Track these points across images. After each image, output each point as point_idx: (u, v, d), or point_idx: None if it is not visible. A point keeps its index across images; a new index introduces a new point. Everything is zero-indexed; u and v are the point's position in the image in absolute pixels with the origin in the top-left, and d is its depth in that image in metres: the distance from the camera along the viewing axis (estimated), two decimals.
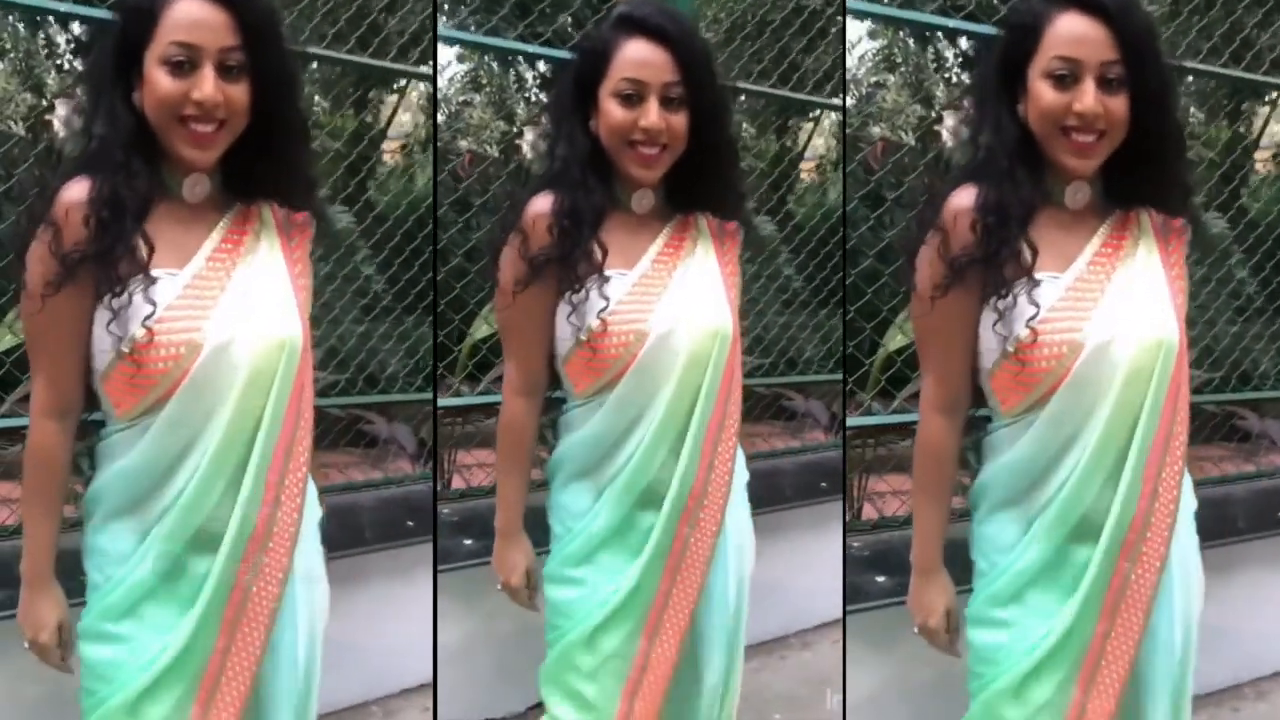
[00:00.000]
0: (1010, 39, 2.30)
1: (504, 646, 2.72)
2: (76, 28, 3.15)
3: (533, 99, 3.62)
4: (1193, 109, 3.92)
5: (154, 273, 2.12)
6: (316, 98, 3.60)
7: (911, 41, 3.56)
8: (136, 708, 2.16)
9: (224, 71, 2.11)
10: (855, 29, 3.56)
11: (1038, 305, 2.23)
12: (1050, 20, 2.24)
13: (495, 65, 3.59)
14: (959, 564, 2.45)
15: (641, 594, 2.47)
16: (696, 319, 2.46)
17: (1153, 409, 2.26)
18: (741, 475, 2.59)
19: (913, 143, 3.58)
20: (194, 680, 2.16)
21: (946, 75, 3.58)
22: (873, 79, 3.57)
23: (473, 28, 3.60)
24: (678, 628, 2.49)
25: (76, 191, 2.12)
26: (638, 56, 2.40)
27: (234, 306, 2.15)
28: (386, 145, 3.73)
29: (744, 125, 4.10)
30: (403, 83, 3.70)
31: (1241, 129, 4.07)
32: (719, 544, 2.53)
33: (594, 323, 2.41)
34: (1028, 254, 2.25)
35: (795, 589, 3.89)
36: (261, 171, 2.20)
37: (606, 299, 2.41)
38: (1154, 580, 2.30)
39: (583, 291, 2.42)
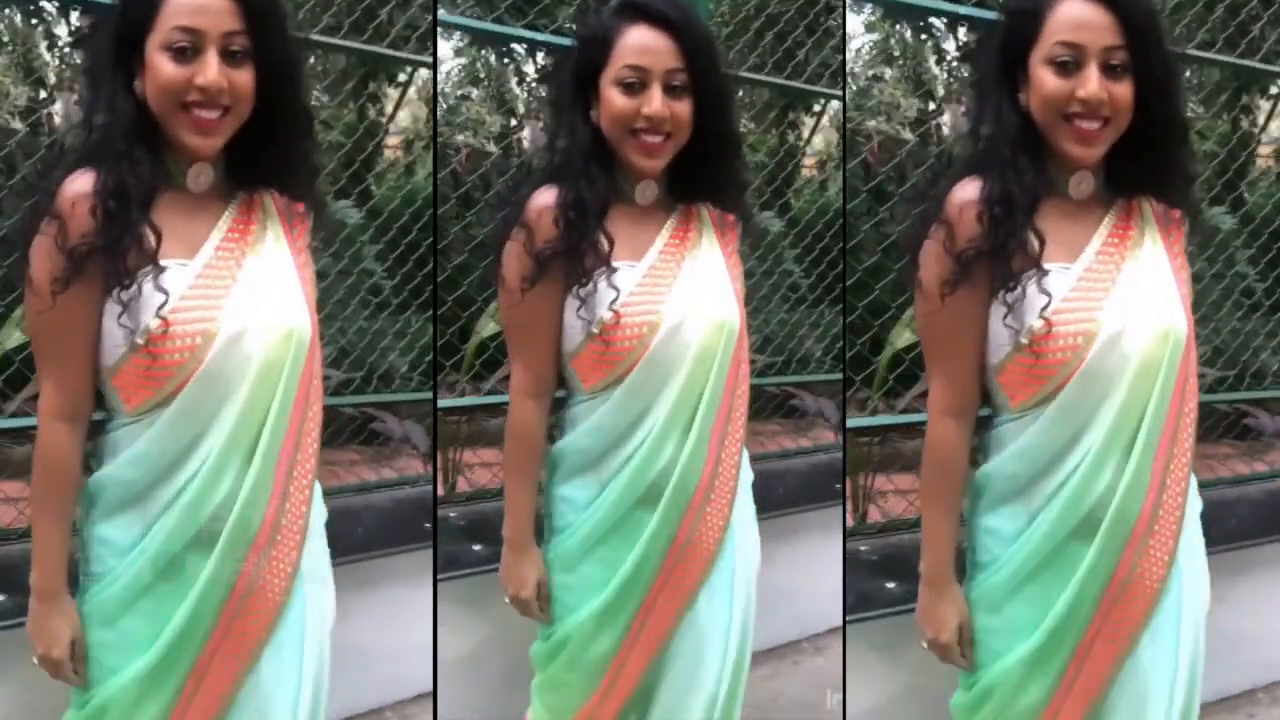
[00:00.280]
0: (1011, 25, 2.28)
1: (515, 655, 2.69)
2: (75, 18, 3.13)
3: (532, 92, 3.60)
4: (1191, 103, 3.90)
5: (163, 263, 2.10)
6: (315, 91, 3.58)
7: (909, 33, 3.55)
8: (126, 698, 2.15)
9: (228, 57, 2.09)
10: (852, 22, 3.55)
11: (1049, 295, 2.21)
12: (1052, 6, 2.22)
13: (493, 58, 3.57)
14: (960, 567, 2.41)
15: (636, 588, 2.46)
16: (705, 311, 2.45)
17: (1161, 400, 2.24)
18: (747, 474, 2.58)
19: (909, 136, 3.56)
20: (184, 675, 2.15)
21: (946, 68, 3.57)
22: (869, 72, 3.56)
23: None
24: (660, 626, 2.48)
25: (81, 184, 2.10)
26: (640, 43, 2.39)
27: (245, 296, 2.14)
28: (387, 140, 3.71)
29: (743, 119, 4.08)
30: (404, 76, 3.69)
31: (1245, 123, 4.05)
32: (724, 541, 2.52)
33: (606, 315, 2.40)
34: (1035, 243, 2.23)
35: (809, 592, 3.86)
36: (265, 159, 2.19)
37: (616, 290, 2.40)
38: (1160, 574, 2.28)
39: (590, 284, 2.40)
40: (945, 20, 3.57)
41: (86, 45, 3.04)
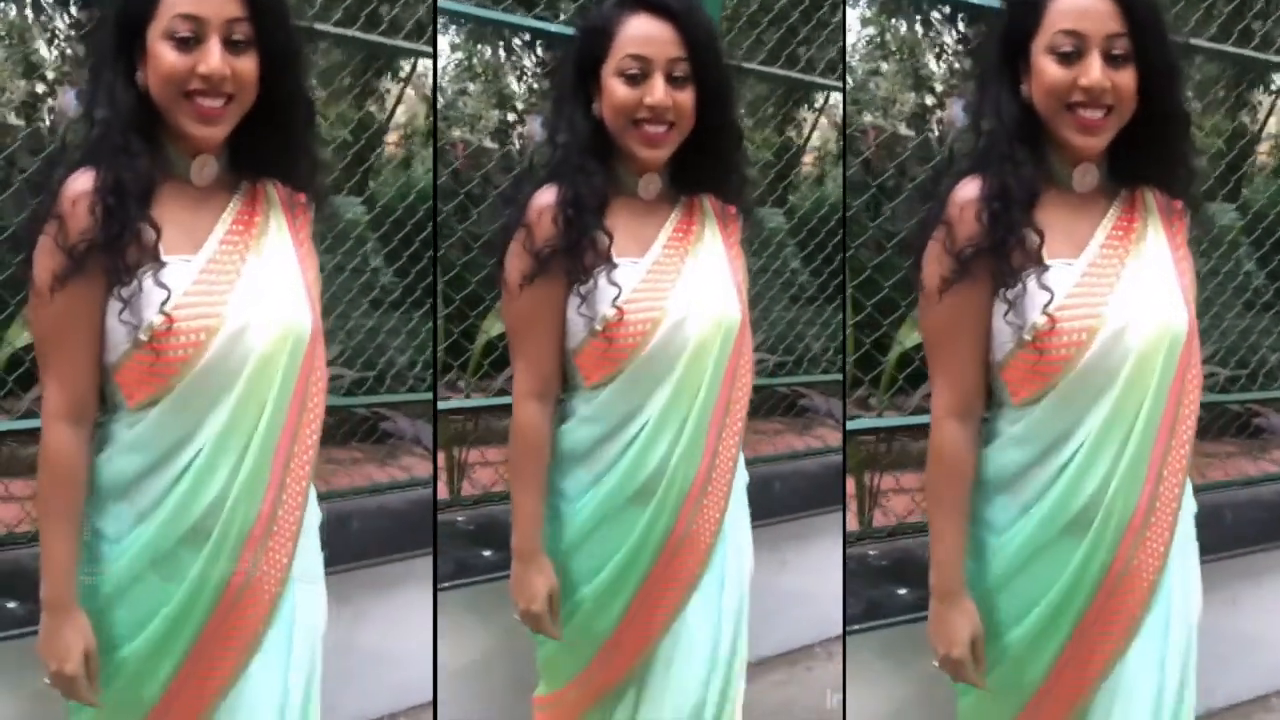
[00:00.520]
0: (1013, 15, 2.27)
1: (523, 664, 2.67)
2: (74, 10, 3.11)
3: (531, 87, 3.59)
4: (1192, 98, 3.89)
5: (165, 258, 2.09)
6: (313, 84, 3.57)
7: (904, 27, 3.54)
8: (114, 688, 2.14)
9: (230, 45, 2.08)
10: (849, 16, 3.54)
11: (1050, 291, 2.20)
12: None
13: (489, 53, 3.56)
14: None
15: (633, 575, 2.45)
16: (706, 306, 2.44)
17: (1159, 393, 2.23)
18: (742, 475, 2.56)
19: (905, 131, 3.55)
20: (172, 669, 2.14)
21: (946, 62, 3.55)
22: (866, 66, 3.55)
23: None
24: (657, 616, 2.47)
25: (82, 183, 2.09)
26: (641, 32, 2.38)
27: (248, 291, 2.13)
28: (387, 136, 3.70)
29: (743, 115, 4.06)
30: (404, 71, 3.68)
31: (1246, 119, 4.04)
32: (719, 537, 2.50)
33: (609, 312, 2.38)
34: (1034, 239, 2.22)
35: (822, 596, 3.85)
36: (268, 149, 2.18)
37: (618, 286, 2.39)
38: (1156, 566, 2.27)
39: (591, 281, 2.39)
40: (944, 11, 3.55)
41: (88, 37, 3.03)
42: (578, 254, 2.39)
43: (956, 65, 3.56)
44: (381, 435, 3.84)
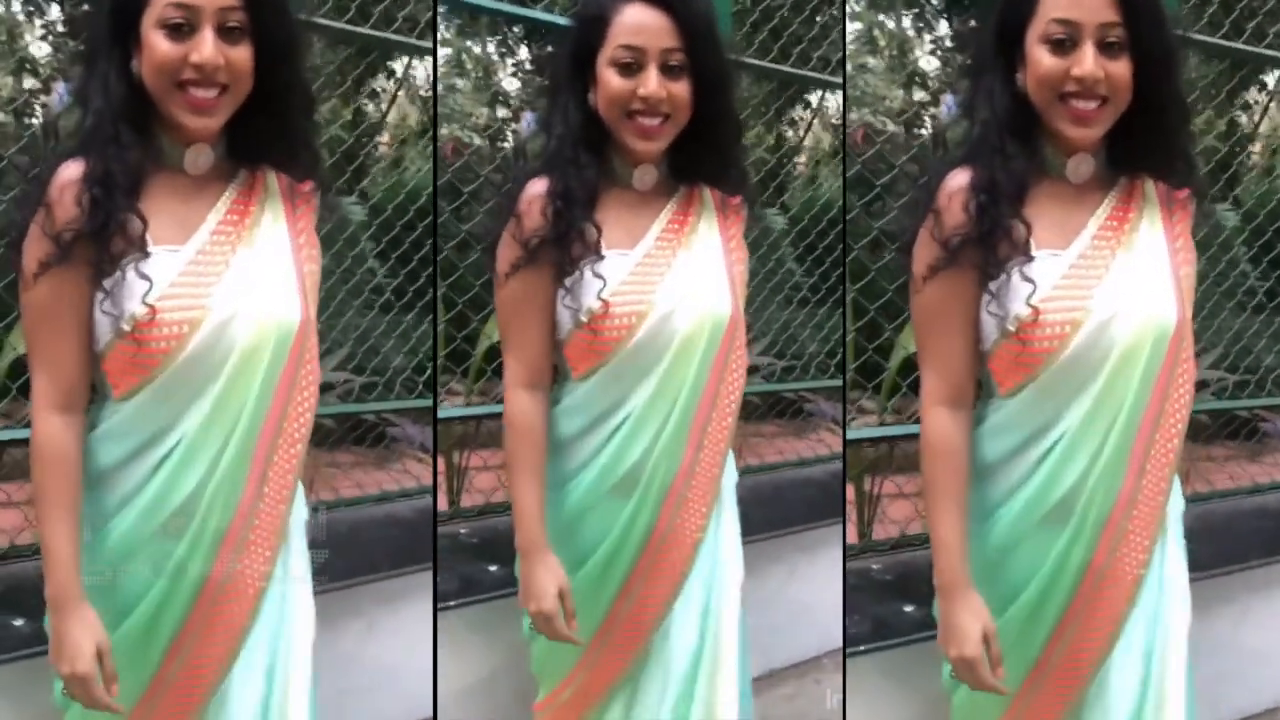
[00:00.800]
0: (1008, 4, 2.26)
1: (532, 683, 2.65)
2: (67, 5, 3.09)
3: (525, 82, 3.58)
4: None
5: (153, 249, 2.08)
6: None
7: (892, 23, 3.53)
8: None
9: (225, 33, 2.07)
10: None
11: (1033, 282, 2.19)
12: None
13: (478, 49, 3.54)
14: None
15: (616, 570, 2.43)
16: (696, 301, 2.42)
17: (1143, 386, 2.22)
18: (731, 475, 2.54)
19: (894, 127, 3.53)
20: (154, 668, 2.13)
21: (939, 56, 3.54)
22: (855, 62, 3.54)
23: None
24: (646, 613, 2.45)
25: (71, 171, 2.09)
26: (636, 22, 2.36)
27: (236, 282, 2.12)
28: (381, 136, 3.69)
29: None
30: (399, 70, 3.67)
31: (1242, 118, 4.02)
32: (702, 537, 2.47)
33: (594, 304, 2.37)
34: (1022, 230, 2.21)
35: (832, 608, 3.82)
36: (267, 139, 2.16)
37: (603, 279, 2.37)
38: (1140, 561, 2.25)
39: (576, 273, 2.38)
40: (935, 6, 3.55)
41: (84, 26, 3.00)
42: (565, 245, 2.38)
43: (948, 63, 3.56)
44: (390, 441, 3.82)
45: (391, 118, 3.65)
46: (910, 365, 3.46)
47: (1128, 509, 2.23)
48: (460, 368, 3.50)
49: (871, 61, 3.53)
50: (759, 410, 4.12)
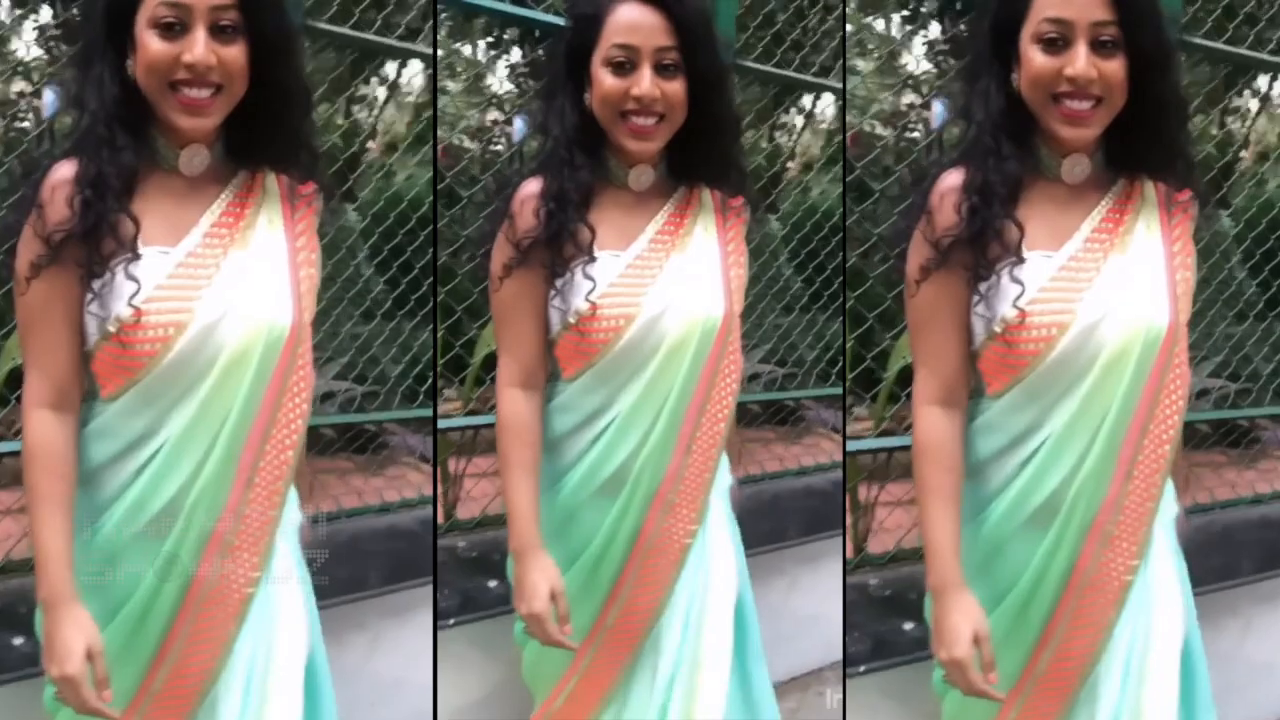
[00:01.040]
0: (1002, 4, 2.24)
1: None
2: (59, 8, 3.08)
3: (520, 84, 3.58)
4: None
5: (143, 250, 2.08)
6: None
7: (880, 25, 3.53)
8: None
9: (217, 33, 2.05)
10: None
11: (1022, 285, 2.18)
12: None
13: (468, 51, 3.54)
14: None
15: (602, 575, 2.42)
16: (687, 304, 2.41)
17: (1131, 390, 2.20)
18: (724, 478, 2.52)
19: (884, 132, 3.53)
20: (142, 671, 2.12)
21: (932, 58, 3.54)
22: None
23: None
24: (634, 621, 2.43)
25: (63, 172, 2.08)
26: (629, 21, 2.34)
27: (227, 285, 2.11)
28: (372, 142, 3.68)
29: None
30: (392, 75, 3.67)
31: (1234, 124, 4.01)
32: (692, 543, 2.45)
33: (582, 306, 2.36)
34: (1014, 232, 2.20)
35: (832, 619, 3.80)
36: (263, 139, 2.15)
37: (593, 281, 2.36)
38: (1128, 565, 2.23)
39: (568, 274, 2.37)
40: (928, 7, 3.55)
41: (78, 27, 2.99)
42: (557, 246, 2.37)
43: (942, 63, 3.55)
44: (389, 450, 3.81)
45: (382, 123, 3.64)
46: (908, 375, 3.45)
47: (1113, 513, 2.21)
48: (458, 376, 3.49)
49: (861, 64, 3.52)
50: (759, 418, 4.10)
